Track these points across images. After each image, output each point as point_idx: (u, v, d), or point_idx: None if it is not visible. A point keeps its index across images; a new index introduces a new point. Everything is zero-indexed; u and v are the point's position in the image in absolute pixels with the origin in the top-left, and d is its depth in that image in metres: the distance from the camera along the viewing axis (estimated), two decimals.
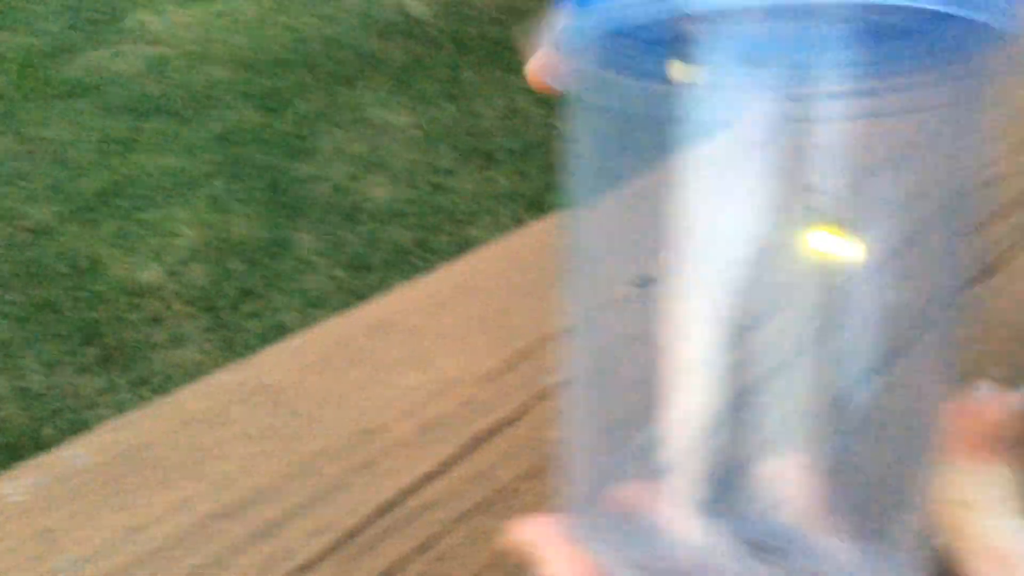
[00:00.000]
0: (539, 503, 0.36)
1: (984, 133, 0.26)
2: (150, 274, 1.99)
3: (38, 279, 1.96)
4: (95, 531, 0.32)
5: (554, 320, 0.39)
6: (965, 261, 0.27)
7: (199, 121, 2.46)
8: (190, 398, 0.38)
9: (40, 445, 1.61)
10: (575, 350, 0.27)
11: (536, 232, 0.46)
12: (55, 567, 0.31)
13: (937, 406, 0.27)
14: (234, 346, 1.84)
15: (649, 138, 0.25)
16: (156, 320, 1.89)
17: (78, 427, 1.64)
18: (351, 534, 0.34)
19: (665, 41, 0.24)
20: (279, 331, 1.87)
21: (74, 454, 0.35)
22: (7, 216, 2.12)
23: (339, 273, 2.03)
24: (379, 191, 2.27)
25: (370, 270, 2.04)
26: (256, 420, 0.37)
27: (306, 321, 1.88)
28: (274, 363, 0.40)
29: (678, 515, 0.25)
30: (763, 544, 0.26)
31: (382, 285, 1.99)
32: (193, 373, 1.76)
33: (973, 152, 0.27)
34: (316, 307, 1.94)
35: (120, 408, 1.69)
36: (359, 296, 1.96)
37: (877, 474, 0.27)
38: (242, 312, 1.92)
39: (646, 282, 0.34)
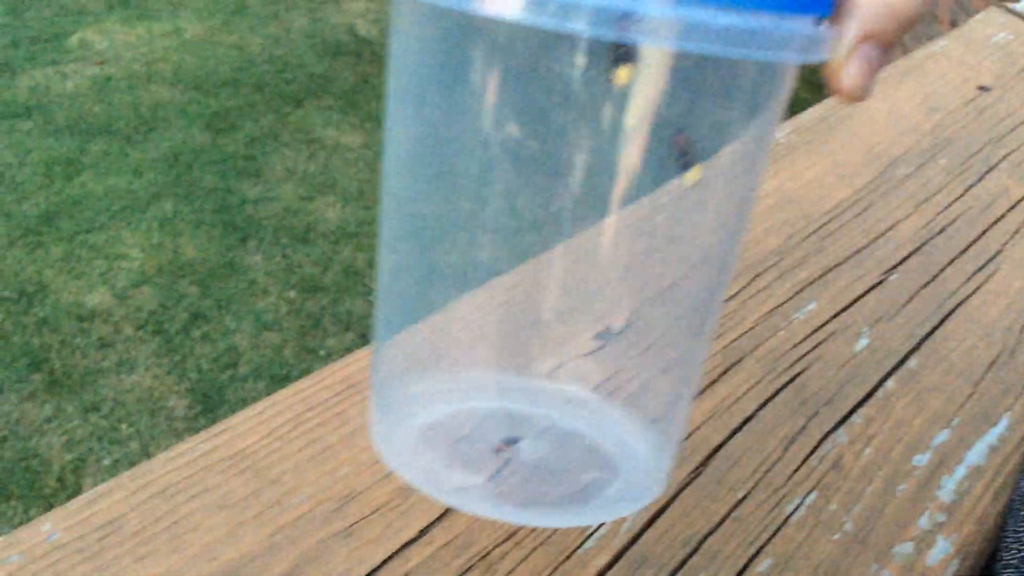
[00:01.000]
0: (518, 568, 0.37)
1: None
2: (98, 298, 1.96)
3: None
4: None
5: None
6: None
7: (146, 142, 2.43)
8: (163, 468, 0.38)
9: None
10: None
11: None
12: None
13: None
14: (186, 370, 1.82)
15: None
16: (105, 345, 1.86)
17: (25, 456, 1.61)
18: None
19: None
20: (231, 354, 1.85)
21: (49, 529, 0.34)
22: None
23: (291, 295, 2.01)
24: (330, 212, 2.26)
25: (323, 292, 2.03)
26: (233, 489, 0.37)
27: (258, 344, 1.87)
28: (245, 429, 0.40)
29: None
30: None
31: (335, 307, 1.98)
32: (144, 399, 1.74)
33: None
34: (268, 329, 1.93)
35: (69, 436, 1.66)
36: (312, 319, 1.95)
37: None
38: (193, 336, 1.90)
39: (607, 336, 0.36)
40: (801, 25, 0.25)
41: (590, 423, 0.35)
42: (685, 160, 0.29)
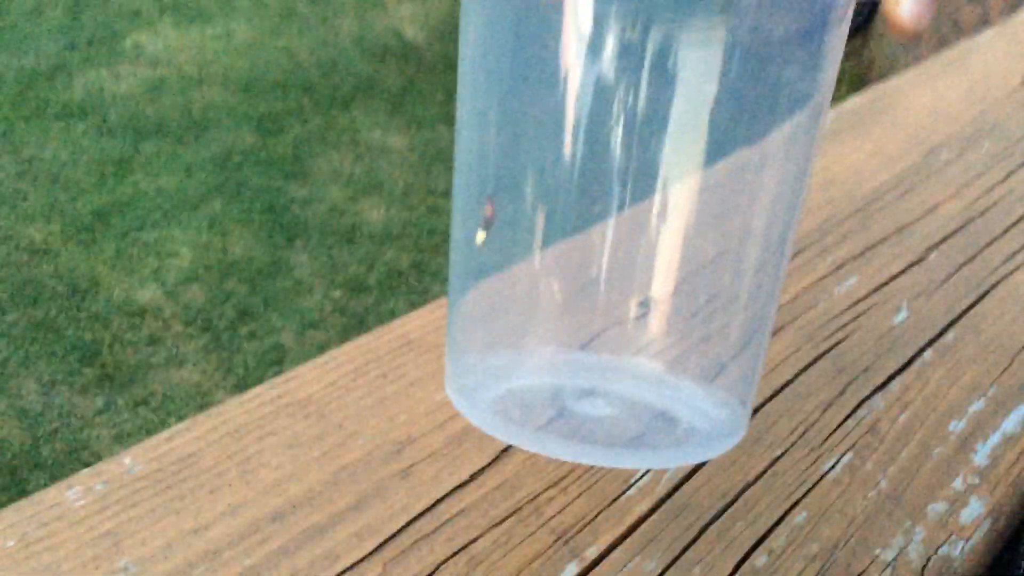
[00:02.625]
0: (563, 511, 0.39)
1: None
2: (148, 295, 2.01)
3: (36, 299, 1.97)
4: (154, 534, 0.34)
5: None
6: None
7: (197, 143, 2.49)
8: (232, 411, 0.40)
9: (39, 465, 1.63)
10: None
11: None
12: (119, 567, 0.33)
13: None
14: (233, 367, 1.86)
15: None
16: (155, 340, 1.91)
17: (77, 448, 1.66)
18: (391, 538, 0.36)
19: None
20: (277, 352, 1.89)
21: (129, 462, 0.37)
22: (5, 237, 2.14)
23: (336, 294, 2.05)
24: (375, 213, 2.29)
25: (367, 292, 2.06)
26: (299, 431, 0.40)
27: (303, 342, 1.91)
28: (310, 378, 0.42)
29: None
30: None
31: (379, 307, 2.01)
32: (193, 394, 1.78)
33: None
34: (313, 328, 1.96)
35: (119, 429, 1.70)
36: (356, 318, 1.98)
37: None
38: (240, 333, 1.94)
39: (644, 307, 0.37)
40: None
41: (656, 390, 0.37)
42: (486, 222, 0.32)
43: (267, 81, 2.77)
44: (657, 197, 0.30)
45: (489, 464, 0.40)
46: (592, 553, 0.37)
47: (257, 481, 0.37)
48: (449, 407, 0.42)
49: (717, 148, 0.29)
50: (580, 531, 0.38)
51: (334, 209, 2.28)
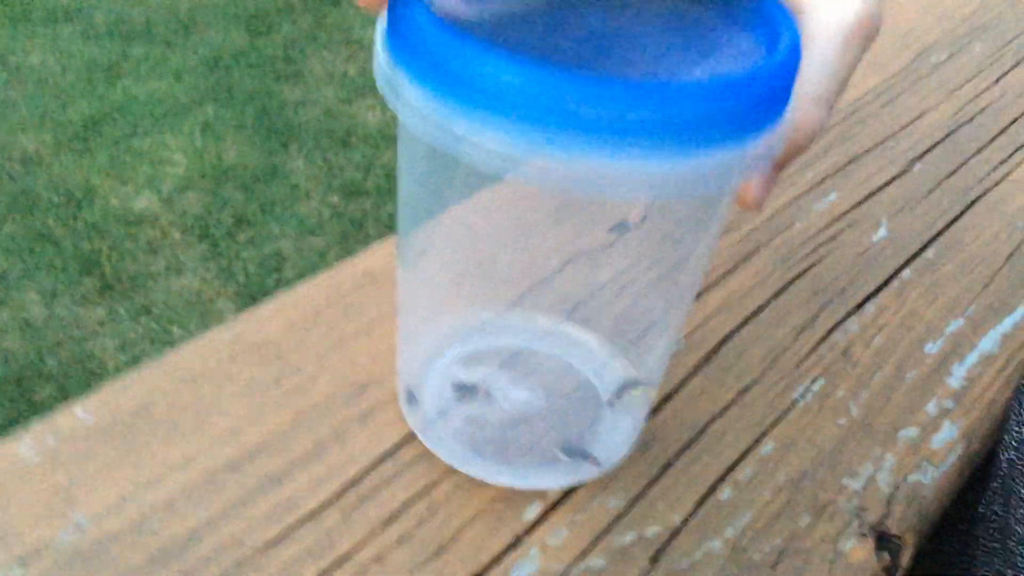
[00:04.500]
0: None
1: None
2: (145, 203, 2.00)
3: (32, 210, 1.96)
4: (109, 487, 0.34)
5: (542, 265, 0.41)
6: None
7: (185, 46, 2.43)
8: (187, 356, 0.39)
9: (45, 376, 1.64)
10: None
11: None
12: (72, 522, 0.33)
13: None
14: (233, 274, 1.86)
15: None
16: (154, 249, 1.90)
17: (82, 358, 1.67)
18: (352, 483, 0.36)
19: None
20: (276, 259, 1.89)
21: (81, 413, 0.37)
22: None
23: (333, 199, 2.03)
24: (371, 115, 2.26)
25: (365, 195, 2.04)
26: (254, 375, 0.39)
27: (302, 248, 1.90)
28: (267, 319, 0.41)
29: None
30: None
31: (377, 211, 2.00)
32: (194, 302, 1.78)
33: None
34: (312, 234, 1.95)
35: (122, 338, 1.71)
36: (354, 223, 1.97)
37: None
38: (238, 240, 1.93)
39: (622, 229, 0.37)
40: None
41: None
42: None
43: None
44: None
45: None
46: (555, 493, 0.37)
47: (212, 429, 0.37)
48: None
49: None
50: None
51: (328, 112, 2.25)
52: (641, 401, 0.39)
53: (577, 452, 0.37)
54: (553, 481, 0.37)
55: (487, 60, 0.22)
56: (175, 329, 1.75)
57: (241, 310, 1.76)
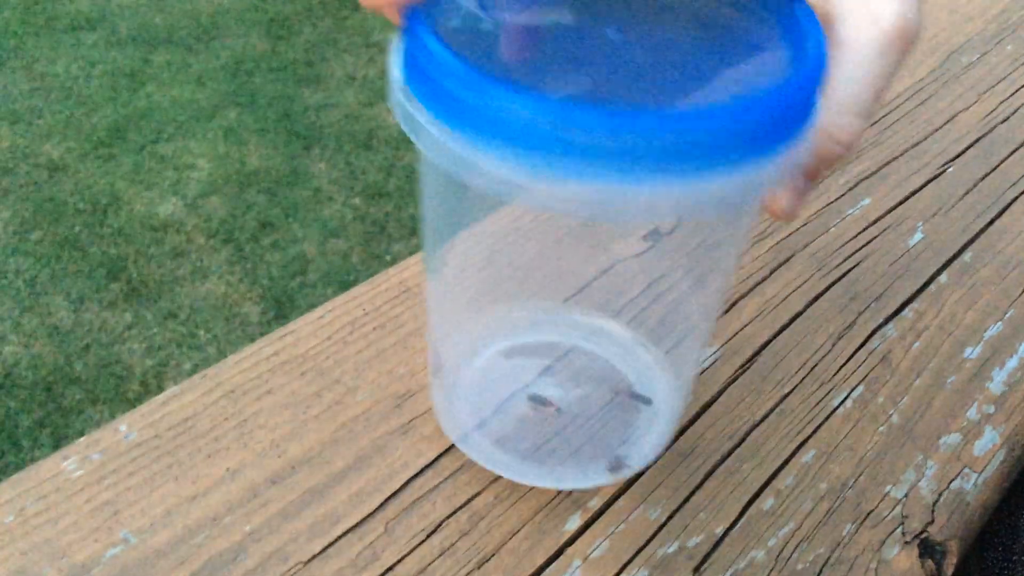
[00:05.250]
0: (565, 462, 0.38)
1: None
2: (170, 208, 2.01)
3: (58, 217, 1.98)
4: (153, 502, 0.34)
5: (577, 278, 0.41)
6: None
7: (207, 51, 2.45)
8: (227, 371, 0.40)
9: (73, 381, 1.65)
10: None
11: None
12: (119, 538, 0.33)
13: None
14: (257, 277, 1.87)
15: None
16: (179, 254, 1.91)
17: (110, 362, 1.68)
18: (392, 496, 0.36)
19: None
20: (300, 261, 1.89)
21: (125, 429, 0.37)
22: (23, 154, 2.13)
23: (356, 201, 2.04)
24: (392, 117, 2.26)
25: (386, 198, 2.05)
26: (295, 389, 0.39)
27: (325, 251, 1.91)
28: (307, 333, 0.42)
29: None
30: None
31: (399, 212, 2.00)
32: (219, 306, 1.79)
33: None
34: (335, 236, 1.96)
35: (149, 343, 1.72)
36: (377, 225, 1.97)
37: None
38: (263, 244, 1.94)
39: (656, 237, 0.38)
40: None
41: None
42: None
43: None
44: None
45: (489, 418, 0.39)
46: (595, 504, 0.37)
47: (255, 443, 0.37)
48: None
49: None
50: None
51: (349, 115, 2.25)
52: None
53: (614, 459, 0.37)
54: (590, 481, 0.37)
55: (497, 94, 0.22)
56: (201, 333, 1.76)
57: (266, 313, 1.78)
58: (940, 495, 0.39)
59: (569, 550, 0.35)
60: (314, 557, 0.34)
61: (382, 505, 0.36)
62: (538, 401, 0.38)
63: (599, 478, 0.37)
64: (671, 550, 0.36)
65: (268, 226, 1.98)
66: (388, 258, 1.89)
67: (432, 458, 0.37)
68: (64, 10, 2.57)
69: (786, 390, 0.42)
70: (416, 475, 0.37)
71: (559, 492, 0.37)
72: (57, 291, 1.82)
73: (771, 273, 0.48)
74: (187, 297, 1.83)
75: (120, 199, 2.02)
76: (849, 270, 0.48)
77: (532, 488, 0.37)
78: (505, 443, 0.37)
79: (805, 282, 0.48)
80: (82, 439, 0.36)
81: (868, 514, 0.38)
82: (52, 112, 2.24)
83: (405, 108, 0.25)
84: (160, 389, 1.62)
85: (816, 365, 0.44)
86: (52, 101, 2.27)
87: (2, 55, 2.41)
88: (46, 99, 2.28)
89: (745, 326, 0.45)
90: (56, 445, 1.51)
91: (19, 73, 2.35)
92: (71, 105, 2.26)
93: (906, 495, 0.39)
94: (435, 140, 0.24)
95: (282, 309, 1.80)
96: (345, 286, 1.85)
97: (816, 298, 0.47)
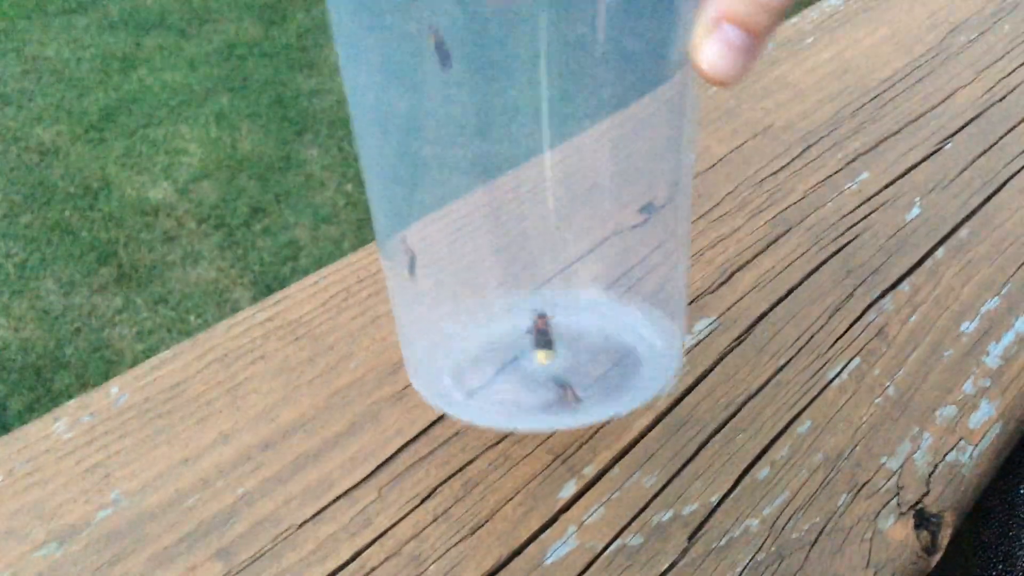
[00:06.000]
0: (559, 430, 0.38)
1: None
2: (161, 192, 2.00)
3: (50, 200, 1.97)
4: (144, 465, 0.34)
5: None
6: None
7: (200, 35, 2.43)
8: (221, 336, 0.39)
9: (63, 365, 1.65)
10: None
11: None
12: (109, 499, 0.33)
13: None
14: (249, 264, 1.86)
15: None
16: (170, 238, 1.91)
17: (100, 346, 1.68)
18: (385, 462, 0.36)
19: None
20: (292, 248, 1.89)
21: (116, 392, 0.37)
22: (14, 138, 2.12)
23: (348, 188, 2.03)
24: None
25: None
26: (288, 355, 0.39)
27: (317, 237, 1.90)
28: (299, 299, 0.41)
29: None
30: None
31: None
32: (210, 291, 1.79)
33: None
34: (327, 223, 1.95)
35: (139, 327, 1.71)
36: (368, 210, 1.97)
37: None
38: (254, 229, 1.93)
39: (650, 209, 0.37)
40: None
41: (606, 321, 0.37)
42: (544, 340, 0.33)
43: None
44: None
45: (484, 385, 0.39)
46: (590, 471, 0.37)
47: (247, 408, 0.37)
48: None
49: (599, 102, 0.29)
50: (578, 449, 0.37)
51: (342, 100, 2.24)
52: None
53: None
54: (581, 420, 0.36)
55: None
56: (192, 318, 1.75)
57: (257, 299, 1.77)
58: (936, 467, 0.39)
59: (564, 516, 0.35)
60: (306, 521, 0.33)
61: (375, 471, 0.35)
62: (559, 383, 0.37)
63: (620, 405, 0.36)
64: (666, 518, 0.36)
65: (260, 211, 1.97)
66: None
67: (425, 425, 0.37)
68: None
69: (782, 362, 0.42)
70: (410, 441, 0.37)
71: (554, 459, 0.37)
72: (47, 275, 1.81)
73: (768, 246, 0.48)
74: (178, 282, 1.82)
75: (111, 183, 2.01)
76: (846, 244, 0.48)
77: (527, 455, 0.37)
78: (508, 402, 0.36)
79: (802, 255, 0.47)
80: (72, 401, 0.36)
81: (863, 485, 0.38)
82: (43, 95, 2.22)
83: None
84: None
85: (812, 337, 0.44)
86: (43, 84, 2.26)
87: None
88: (37, 82, 2.26)
89: (741, 298, 0.45)
90: None
91: (10, 56, 2.34)
92: (62, 88, 2.24)
93: (901, 466, 0.39)
94: None
95: (273, 295, 1.79)
96: None
97: (813, 271, 0.47)
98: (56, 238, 1.88)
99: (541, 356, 0.34)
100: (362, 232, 1.93)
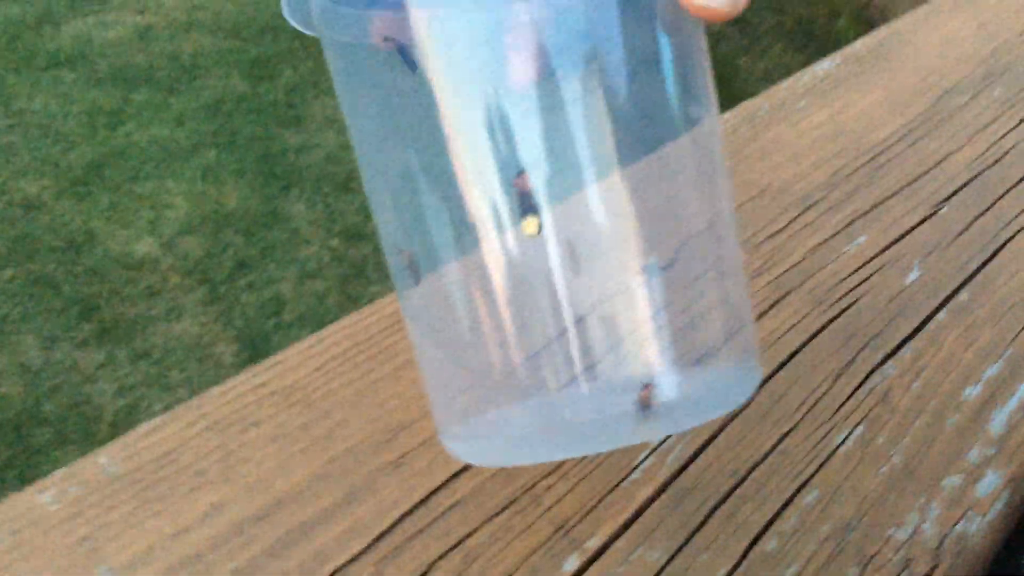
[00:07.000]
0: (563, 499, 0.37)
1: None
2: (145, 247, 1.99)
3: (33, 254, 1.95)
4: (134, 538, 0.33)
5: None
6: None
7: (187, 91, 2.44)
8: (213, 402, 0.38)
9: (41, 421, 1.62)
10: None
11: None
12: (97, 575, 0.32)
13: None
14: (232, 318, 1.84)
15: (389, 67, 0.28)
16: (153, 293, 1.89)
17: (79, 402, 1.65)
18: (383, 535, 0.34)
19: None
20: (276, 303, 1.87)
21: (104, 461, 0.35)
22: None
23: (334, 243, 2.02)
24: None
25: (365, 240, 2.04)
26: (282, 422, 0.38)
27: (302, 292, 1.89)
28: (295, 363, 0.40)
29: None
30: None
31: (377, 255, 1.99)
32: (193, 346, 1.77)
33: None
34: (312, 278, 1.94)
35: (121, 383, 1.69)
36: (355, 267, 1.96)
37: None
38: (238, 284, 1.92)
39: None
40: None
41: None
42: (525, 206, 0.28)
43: (257, 25, 2.71)
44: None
45: None
46: (594, 544, 0.36)
47: (240, 478, 0.35)
48: None
49: (624, 151, 0.28)
50: (581, 521, 0.36)
51: (329, 156, 2.25)
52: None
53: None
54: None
55: None
56: (174, 373, 1.73)
57: (240, 354, 1.75)
58: (944, 538, 0.38)
59: None
60: None
61: (372, 544, 0.34)
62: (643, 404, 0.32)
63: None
64: None
65: (244, 266, 1.96)
66: (365, 300, 1.87)
67: (424, 495, 0.36)
68: (44, 48, 2.56)
69: (786, 428, 0.41)
70: (407, 513, 0.35)
71: (556, 530, 0.36)
72: (28, 330, 1.79)
73: (769, 308, 0.47)
74: (160, 337, 1.80)
75: (95, 237, 2.00)
76: (847, 307, 0.48)
77: (529, 527, 0.36)
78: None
79: (803, 319, 0.47)
80: (59, 471, 0.35)
81: (872, 557, 0.37)
82: (29, 149, 2.22)
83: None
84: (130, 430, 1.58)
85: (816, 404, 0.43)
86: (29, 138, 2.25)
87: None
88: (24, 136, 2.26)
89: None
90: (23, 486, 1.48)
91: None
92: (48, 143, 2.24)
93: (910, 538, 0.38)
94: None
95: (257, 350, 1.77)
96: (321, 328, 1.83)
97: (813, 336, 0.46)
98: (39, 292, 1.87)
99: (527, 225, 0.29)
100: (347, 287, 1.92)
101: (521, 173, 0.29)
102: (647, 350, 0.30)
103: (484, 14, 0.26)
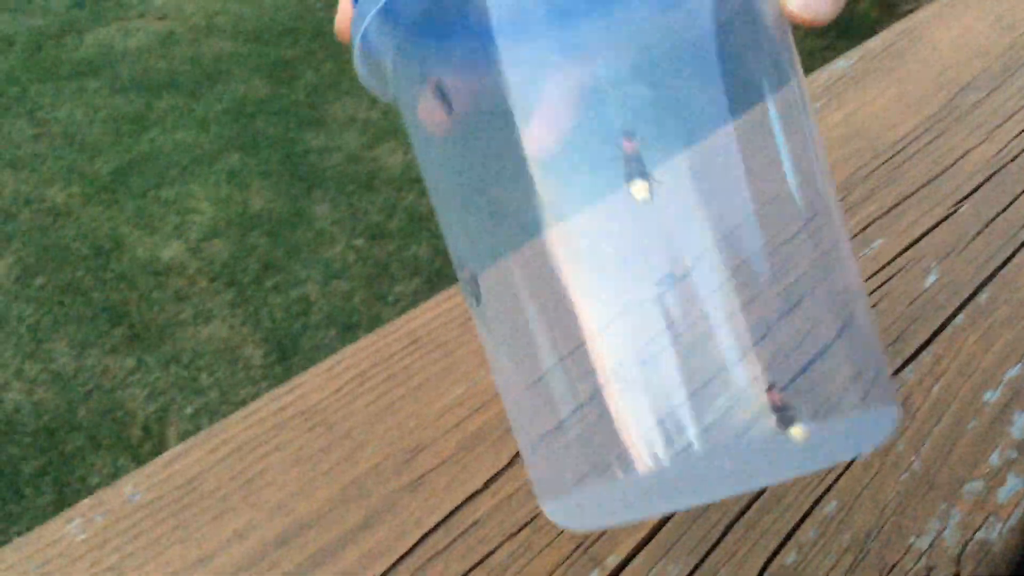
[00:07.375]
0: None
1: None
2: (172, 252, 2.01)
3: (62, 262, 1.98)
4: (159, 566, 0.34)
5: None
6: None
7: (210, 95, 2.46)
8: (235, 427, 0.39)
9: (75, 428, 1.64)
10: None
11: None
12: None
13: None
14: (260, 320, 1.86)
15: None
16: (181, 298, 1.91)
17: (112, 407, 1.67)
18: (404, 556, 0.35)
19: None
20: (303, 303, 1.89)
21: (129, 490, 0.36)
22: (27, 200, 2.14)
23: (359, 243, 2.03)
24: (393, 158, 2.27)
25: (389, 238, 2.05)
26: (303, 444, 0.38)
27: (328, 293, 1.90)
28: (314, 386, 0.41)
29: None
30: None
31: (401, 253, 2.00)
32: (222, 349, 1.79)
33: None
34: (337, 278, 1.96)
35: (151, 388, 1.71)
36: (379, 265, 1.97)
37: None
38: (265, 286, 1.93)
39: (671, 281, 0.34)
40: None
41: None
42: (631, 169, 0.26)
43: (276, 28, 2.73)
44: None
45: (503, 469, 0.38)
46: (613, 561, 0.36)
47: (262, 503, 0.36)
48: (460, 408, 0.40)
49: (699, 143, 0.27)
50: (600, 537, 0.37)
51: (351, 156, 2.26)
52: None
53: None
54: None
55: None
56: (204, 377, 1.75)
57: (269, 356, 1.77)
58: (965, 545, 0.38)
59: None
60: None
61: (394, 565, 0.35)
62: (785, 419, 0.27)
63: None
64: None
65: (271, 268, 1.98)
66: (391, 299, 1.88)
67: (444, 515, 0.37)
68: (68, 57, 2.59)
69: None
70: (428, 533, 0.36)
71: (576, 547, 0.36)
72: (59, 337, 1.81)
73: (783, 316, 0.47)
74: (189, 341, 1.82)
75: (123, 243, 2.02)
76: None
77: (549, 544, 0.36)
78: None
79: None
80: (86, 500, 0.35)
81: (893, 566, 0.37)
82: (55, 158, 2.24)
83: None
84: (162, 434, 1.61)
85: None
86: (55, 147, 2.28)
87: (6, 102, 2.42)
88: (50, 145, 2.28)
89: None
90: (58, 492, 1.50)
91: (23, 119, 2.36)
92: (74, 151, 2.27)
93: (931, 546, 0.38)
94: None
95: (285, 352, 1.79)
96: (348, 328, 1.84)
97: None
98: (68, 300, 1.89)
99: (636, 189, 0.26)
100: (372, 286, 1.93)
101: (629, 136, 0.26)
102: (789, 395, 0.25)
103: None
